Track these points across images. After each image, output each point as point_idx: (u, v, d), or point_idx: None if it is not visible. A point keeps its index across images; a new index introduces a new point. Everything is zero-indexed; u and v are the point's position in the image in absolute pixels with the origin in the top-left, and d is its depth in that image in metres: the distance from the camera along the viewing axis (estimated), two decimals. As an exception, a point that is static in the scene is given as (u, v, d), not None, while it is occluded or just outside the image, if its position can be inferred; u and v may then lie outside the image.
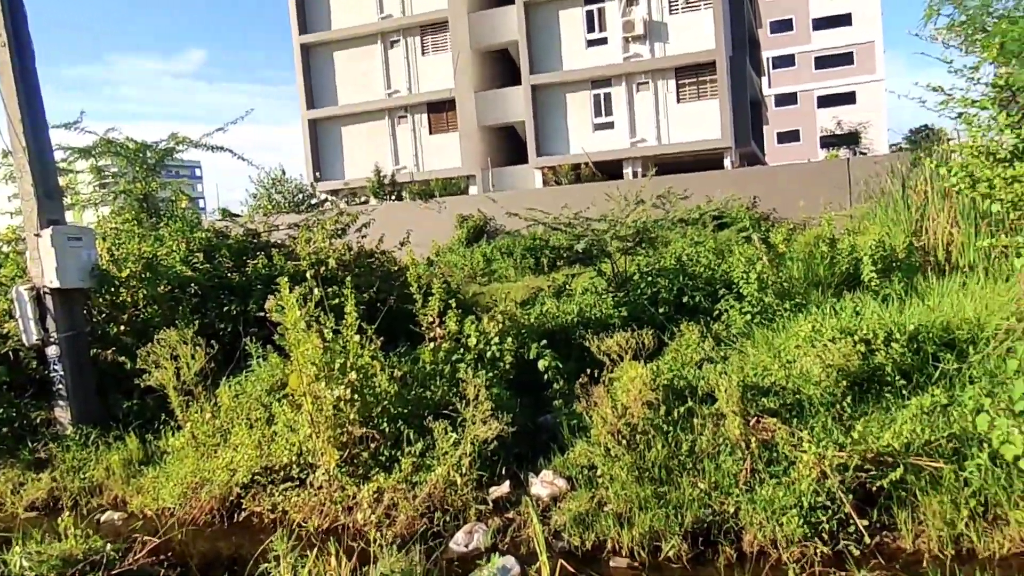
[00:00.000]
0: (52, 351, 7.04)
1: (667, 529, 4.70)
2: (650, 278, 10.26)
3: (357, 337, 5.89)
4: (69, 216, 10.48)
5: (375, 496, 5.46)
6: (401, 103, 30.72)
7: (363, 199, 29.24)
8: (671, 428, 5.38)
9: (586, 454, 5.50)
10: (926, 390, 5.49)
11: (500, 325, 7.82)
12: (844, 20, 56.08)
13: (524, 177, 29.22)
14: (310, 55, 31.43)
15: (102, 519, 6.12)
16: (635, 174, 27.11)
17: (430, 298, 6.86)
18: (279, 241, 10.40)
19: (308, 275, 6.71)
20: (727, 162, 26.14)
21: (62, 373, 7.01)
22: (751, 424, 5.28)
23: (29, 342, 7.02)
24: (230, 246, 9.23)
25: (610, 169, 27.31)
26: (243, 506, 5.85)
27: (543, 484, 5.42)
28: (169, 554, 5.24)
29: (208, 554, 5.43)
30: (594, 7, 27.42)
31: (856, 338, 6.13)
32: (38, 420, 7.18)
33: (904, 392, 5.60)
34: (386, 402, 5.91)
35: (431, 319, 6.84)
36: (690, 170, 25.33)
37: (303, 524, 5.55)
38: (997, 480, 4.42)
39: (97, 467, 6.62)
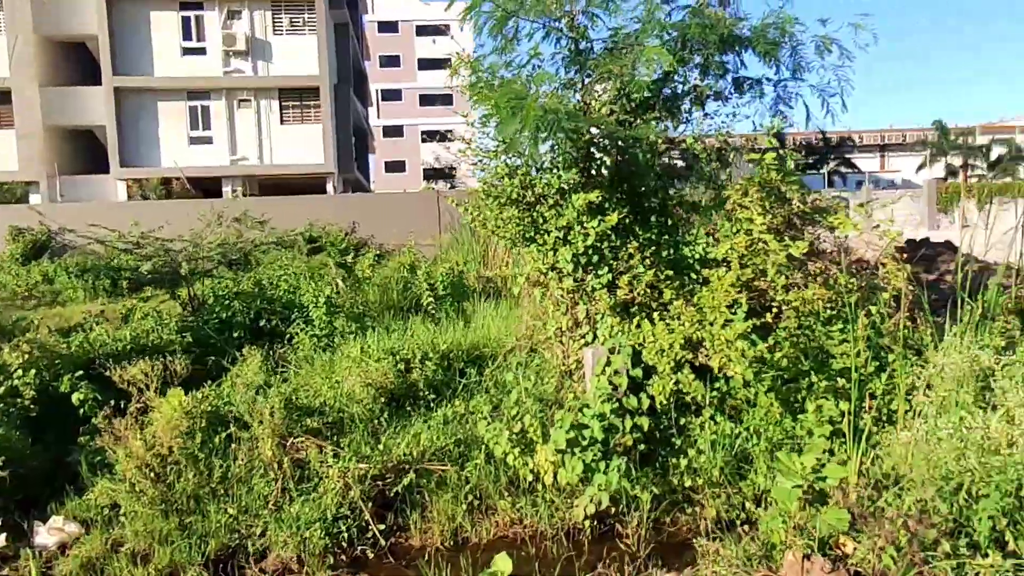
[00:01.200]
0: None
1: (188, 560, 4.54)
2: (226, 302, 9.93)
3: None
4: None
5: None
6: (-63, 87, 25.20)
7: None
8: (205, 456, 5.23)
9: (107, 492, 5.06)
10: (451, 402, 6.22)
11: (25, 356, 6.86)
12: (445, 64, 61.28)
13: (105, 188, 26.06)
14: None
15: None
16: (235, 192, 26.03)
17: None
18: None
19: None
20: (330, 187, 26.58)
21: None
22: (290, 445, 5.40)
23: None
24: None
25: (209, 186, 25.87)
26: None
27: (50, 532, 4.83)
28: None
29: None
30: (192, 14, 25.80)
31: (398, 357, 6.69)
32: None
33: (433, 404, 6.26)
34: None
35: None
36: (294, 192, 25.22)
37: None
38: (489, 476, 5.17)
39: None
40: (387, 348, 6.80)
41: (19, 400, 6.10)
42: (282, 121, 26.45)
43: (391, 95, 62.64)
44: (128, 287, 16.30)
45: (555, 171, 5.62)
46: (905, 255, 7.51)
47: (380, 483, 5.08)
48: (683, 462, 5.00)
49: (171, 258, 11.54)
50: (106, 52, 25.15)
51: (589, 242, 5.42)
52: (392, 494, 5.05)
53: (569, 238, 5.49)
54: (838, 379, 5.03)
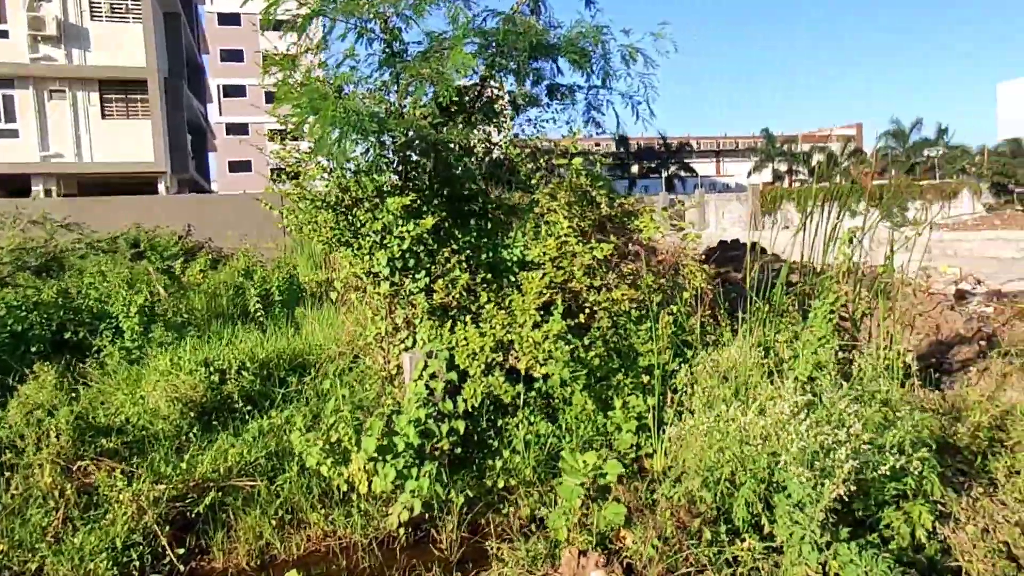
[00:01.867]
0: None
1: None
2: (21, 313, 9.02)
3: None
4: None
5: None
6: None
7: None
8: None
9: None
10: (267, 414, 5.96)
11: None
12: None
13: None
14: None
15: None
16: (48, 192, 23.82)
17: None
18: None
19: None
20: (161, 187, 24.91)
21: None
22: (76, 469, 4.95)
23: None
24: None
25: (15, 184, 23.54)
26: None
27: None
28: None
29: None
30: (-9, -8, 23.34)
31: (212, 368, 6.33)
32: None
33: (248, 417, 5.97)
34: None
35: None
36: (123, 193, 23.42)
37: None
38: (302, 488, 4.99)
39: None
40: (200, 359, 6.41)
41: None
42: (103, 115, 24.50)
43: (234, 91, 59.82)
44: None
45: (370, 174, 5.52)
46: (706, 256, 8.03)
47: (181, 504, 4.77)
48: (498, 463, 5.06)
49: None
50: None
51: (405, 246, 5.36)
52: (194, 515, 4.74)
53: (385, 242, 5.41)
54: (644, 376, 5.27)
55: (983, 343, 7.40)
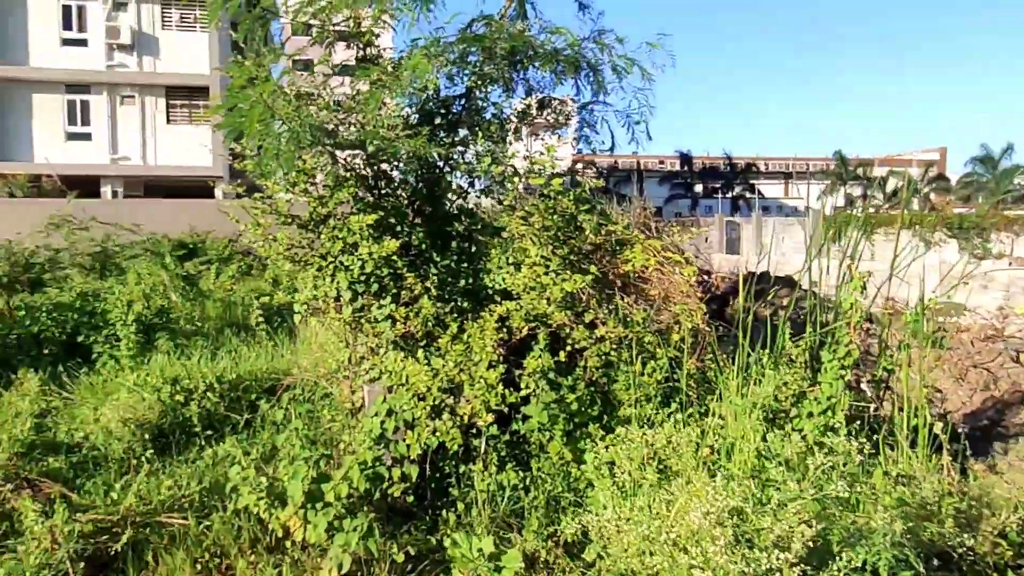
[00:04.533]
0: None
1: None
2: (38, 314, 9.01)
3: None
4: None
5: None
6: None
7: None
8: None
9: None
10: (223, 441, 5.58)
11: None
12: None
13: (-31, 183, 24.19)
14: None
15: None
16: (115, 194, 24.59)
17: None
18: None
19: None
20: (218, 192, 25.40)
21: None
22: (10, 489, 4.66)
23: None
24: None
25: (87, 186, 24.31)
26: None
27: None
28: None
29: None
30: (73, 3, 24.32)
31: (178, 387, 6.02)
32: None
33: (205, 442, 5.61)
34: None
35: None
36: (182, 196, 23.98)
37: None
38: (232, 529, 4.56)
39: None
40: (171, 376, 6.11)
41: None
42: (169, 120, 25.17)
43: (308, 100, 61.22)
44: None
45: (335, 188, 5.10)
46: (732, 288, 7.30)
47: (103, 539, 4.40)
48: (452, 517, 4.52)
49: (13, 262, 10.41)
50: (-25, 38, 23.45)
51: (368, 268, 4.90)
52: (112, 552, 4.37)
53: (347, 264, 4.96)
54: (623, 427, 4.66)
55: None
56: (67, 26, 24.39)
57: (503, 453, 4.91)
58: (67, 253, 15.04)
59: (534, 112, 5.50)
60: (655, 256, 4.97)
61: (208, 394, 5.95)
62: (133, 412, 5.56)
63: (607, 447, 4.13)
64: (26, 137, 24.43)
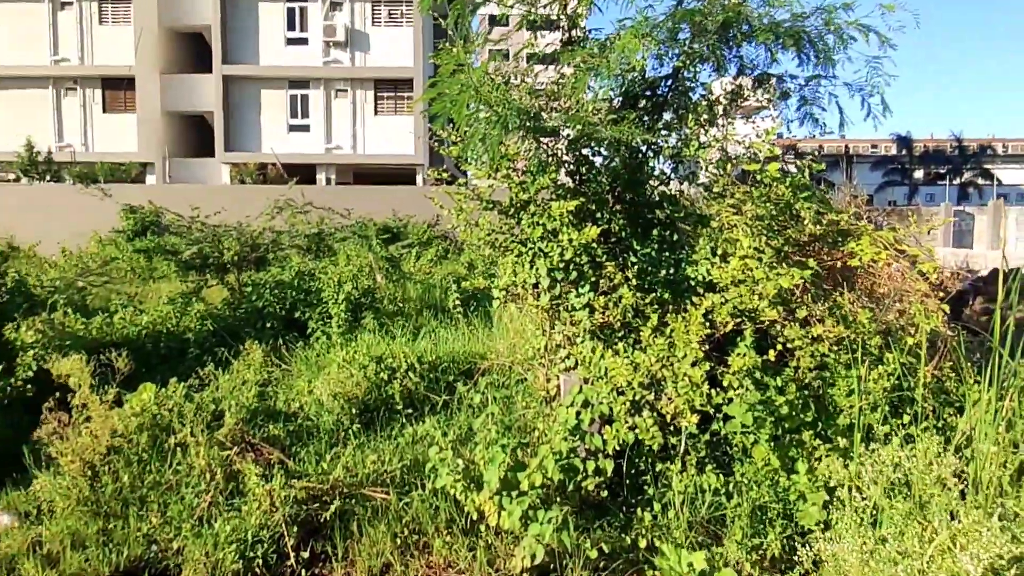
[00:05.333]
0: None
1: (94, 570, 4.30)
2: (262, 291, 9.87)
3: None
4: None
5: None
6: (70, 73, 27.15)
7: (13, 176, 25.32)
8: (151, 458, 5.02)
9: (50, 487, 4.93)
10: (424, 419, 5.76)
11: (38, 335, 6.94)
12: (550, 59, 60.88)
13: (211, 172, 27.34)
14: (-44, 2, 26.60)
15: None
16: (329, 181, 26.66)
17: None
18: None
19: None
20: (419, 178, 26.74)
21: None
22: (234, 453, 5.10)
23: None
24: None
25: (304, 173, 26.57)
26: None
27: (-18, 523, 4.74)
28: None
29: None
30: (296, 5, 26.61)
31: (382, 365, 6.30)
32: None
33: (407, 420, 5.82)
34: None
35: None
36: (386, 182, 25.52)
37: None
38: (430, 508, 4.67)
39: None
40: (373, 354, 6.42)
41: (8, 381, 6.11)
42: (376, 111, 26.82)
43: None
44: (216, 267, 16.96)
45: (538, 174, 5.03)
46: (973, 287, 6.41)
47: (314, 506, 4.69)
48: (647, 516, 4.33)
49: (210, 244, 11.39)
50: (217, 42, 26.31)
51: (568, 256, 4.80)
52: (322, 520, 4.64)
53: (547, 251, 4.89)
54: (841, 438, 4.22)
55: None
56: (291, 27, 26.72)
57: (703, 454, 4.63)
58: (287, 235, 16.50)
59: (748, 91, 5.11)
60: (886, 249, 4.42)
61: (409, 374, 6.19)
62: (342, 387, 5.90)
63: (824, 458, 3.72)
64: (255, 129, 27.13)
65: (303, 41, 26.73)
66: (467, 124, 4.12)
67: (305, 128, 27.05)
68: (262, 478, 4.74)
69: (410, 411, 5.93)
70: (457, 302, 9.07)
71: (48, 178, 24.62)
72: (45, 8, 26.87)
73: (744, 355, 4.34)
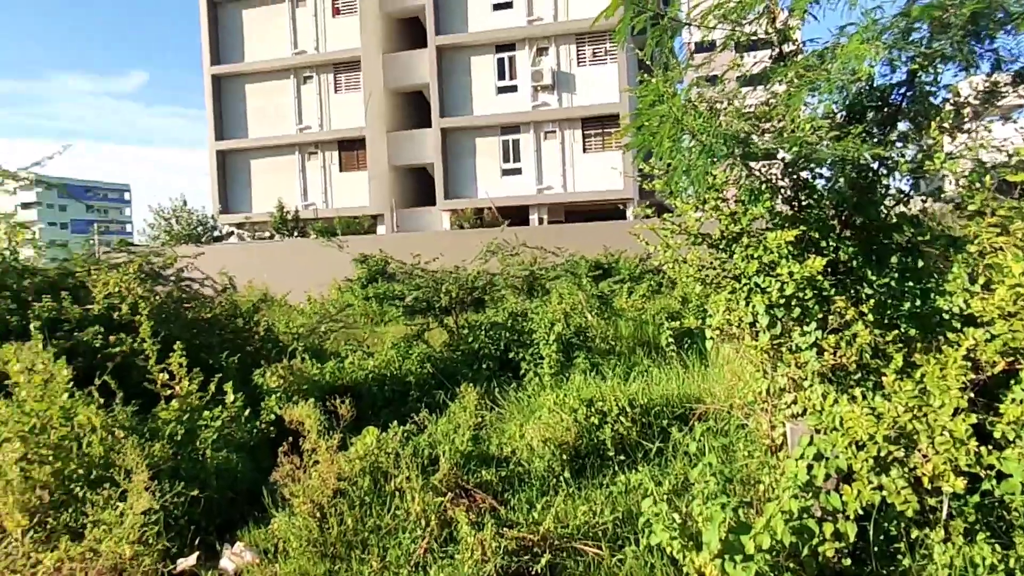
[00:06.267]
0: None
1: (322, 613, 4.50)
2: (478, 332, 10.16)
3: (64, 395, 5.60)
4: None
5: (55, 566, 5.13)
6: (312, 139, 30.54)
7: (268, 234, 28.81)
8: (372, 501, 5.21)
9: (286, 526, 5.28)
10: (636, 468, 5.47)
11: (283, 380, 7.61)
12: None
13: (432, 219, 29.20)
14: (221, 86, 31.11)
15: None
16: (541, 220, 27.33)
17: (172, 355, 6.45)
18: (173, 275, 9.98)
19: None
20: (629, 213, 26.55)
21: None
22: (447, 499, 5.15)
23: None
24: (23, 286, 8.81)
25: (517, 215, 27.50)
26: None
27: (231, 557, 5.16)
28: None
29: None
30: (505, 55, 27.86)
31: (592, 409, 6.12)
32: None
33: (618, 468, 5.57)
34: (91, 464, 5.59)
35: (169, 375, 6.44)
36: (595, 218, 25.69)
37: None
38: (644, 568, 4.36)
39: None
40: (587, 396, 6.25)
41: (255, 423, 6.72)
42: (584, 149, 27.15)
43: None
44: (440, 310, 17.92)
45: (749, 203, 4.62)
46: None
47: (525, 557, 4.57)
48: (903, 594, 3.70)
49: (461, 285, 11.99)
50: (435, 98, 28.21)
51: (789, 291, 4.33)
52: (533, 573, 4.50)
53: (764, 286, 4.46)
54: None
55: None
56: (500, 76, 28.02)
57: (972, 520, 3.89)
58: (502, 276, 17.02)
59: (1006, 88, 4.34)
60: None
61: (621, 418, 5.94)
62: (552, 431, 5.79)
63: None
64: (471, 176, 28.62)
65: (512, 88, 27.90)
66: (670, 156, 3.87)
67: (517, 171, 28.06)
68: (474, 525, 4.72)
69: (622, 458, 5.67)
70: (670, 340, 8.66)
71: (296, 234, 27.68)
72: (291, 84, 30.55)
73: (1020, 401, 3.62)
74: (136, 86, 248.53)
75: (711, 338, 5.02)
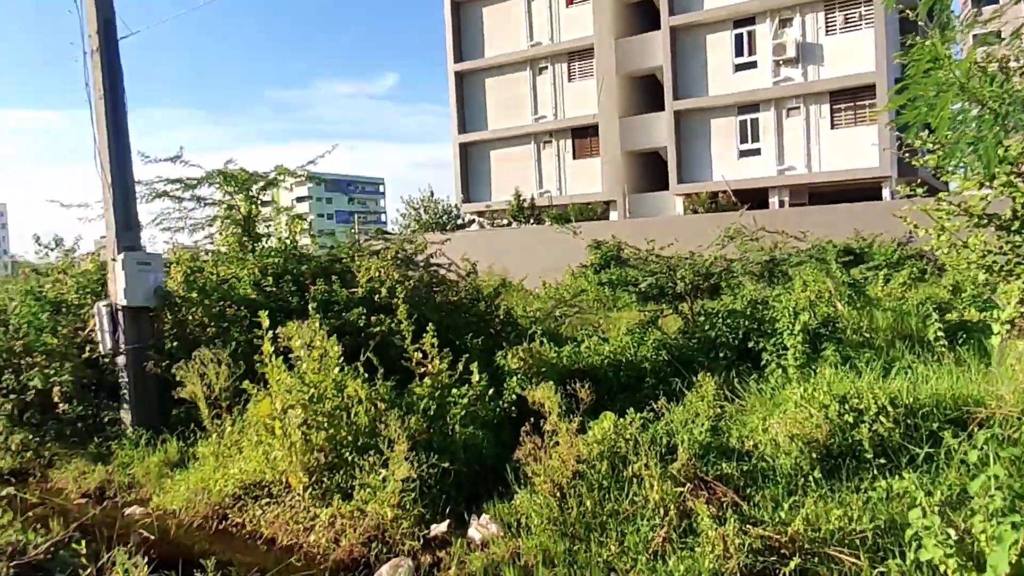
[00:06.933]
0: (121, 360, 8.12)
1: (564, 590, 4.62)
2: (715, 320, 9.83)
3: (336, 369, 6.28)
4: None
5: (330, 521, 5.80)
6: (547, 128, 31.36)
7: (506, 222, 30.15)
8: (610, 485, 5.25)
9: (527, 503, 5.49)
10: (899, 473, 4.97)
11: (523, 363, 7.94)
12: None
13: (664, 204, 28.71)
14: (463, 82, 32.97)
15: (127, 511, 6.96)
16: (782, 203, 25.75)
17: (424, 335, 6.96)
18: (423, 261, 11.06)
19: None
20: (886, 192, 24.10)
21: (127, 380, 8.05)
22: (686, 490, 5.03)
23: (104, 351, 8.15)
24: (301, 271, 10.03)
25: (755, 198, 26.16)
26: (228, 516, 6.41)
27: (478, 528, 5.48)
28: (152, 551, 5.86)
29: (187, 555, 6.02)
30: (744, 30, 26.50)
31: (847, 407, 5.66)
32: (107, 419, 8.28)
33: (878, 472, 5.09)
34: (359, 432, 6.23)
35: (422, 354, 6.95)
36: (846, 200, 23.67)
37: (273, 539, 6.01)
38: (911, 585, 3.93)
39: (140, 465, 7.54)
40: (836, 393, 5.78)
41: (498, 403, 7.07)
42: (832, 125, 25.11)
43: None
44: (672, 296, 17.67)
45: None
46: None
47: (771, 558, 4.33)
48: None
49: (664, 274, 11.69)
50: (668, 80, 27.67)
51: (1105, 280, 3.66)
52: (781, 575, 4.24)
53: (1071, 274, 3.81)
54: None
55: None
56: (739, 52, 26.71)
57: None
58: (739, 262, 16.27)
59: None
60: None
61: (880, 417, 5.41)
62: (800, 427, 5.43)
63: None
64: (705, 159, 27.68)
65: (751, 65, 26.47)
66: (950, 129, 3.42)
67: (755, 152, 26.64)
68: (715, 520, 4.57)
69: (882, 461, 5.17)
70: (939, 333, 7.73)
71: (532, 221, 28.65)
72: (527, 75, 31.58)
73: None
74: (388, 87, 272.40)
75: (999, 333, 4.39)
